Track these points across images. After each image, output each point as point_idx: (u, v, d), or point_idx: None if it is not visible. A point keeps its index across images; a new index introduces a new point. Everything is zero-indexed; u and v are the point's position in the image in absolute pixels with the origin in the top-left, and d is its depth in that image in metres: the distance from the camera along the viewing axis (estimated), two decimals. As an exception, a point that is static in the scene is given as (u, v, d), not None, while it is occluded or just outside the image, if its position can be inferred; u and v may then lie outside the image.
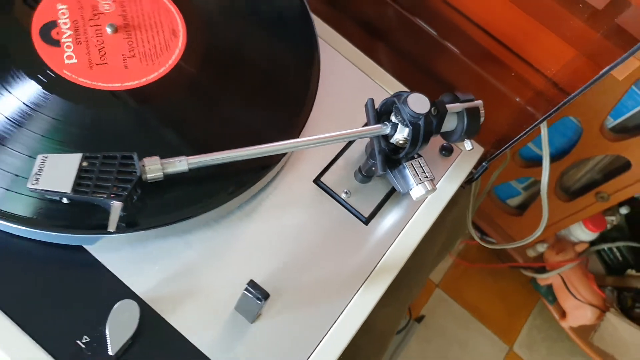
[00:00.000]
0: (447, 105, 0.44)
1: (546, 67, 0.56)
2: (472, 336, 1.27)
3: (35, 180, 0.35)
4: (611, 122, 0.91)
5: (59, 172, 0.36)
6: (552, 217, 1.11)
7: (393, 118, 0.44)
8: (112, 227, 0.35)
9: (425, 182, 0.44)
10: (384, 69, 0.57)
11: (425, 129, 0.42)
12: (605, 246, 1.21)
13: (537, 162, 1.04)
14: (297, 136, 0.45)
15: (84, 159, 0.36)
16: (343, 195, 0.47)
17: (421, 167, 0.45)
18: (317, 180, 0.48)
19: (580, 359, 1.31)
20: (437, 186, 0.45)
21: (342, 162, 0.49)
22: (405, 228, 0.48)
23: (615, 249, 1.23)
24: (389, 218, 0.48)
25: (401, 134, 0.44)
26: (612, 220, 1.19)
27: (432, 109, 0.43)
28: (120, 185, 0.36)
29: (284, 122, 0.46)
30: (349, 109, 0.51)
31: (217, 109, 0.45)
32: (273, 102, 0.46)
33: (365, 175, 0.47)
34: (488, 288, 1.32)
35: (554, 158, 0.99)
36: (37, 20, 0.44)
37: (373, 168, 0.46)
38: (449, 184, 0.51)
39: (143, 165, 0.37)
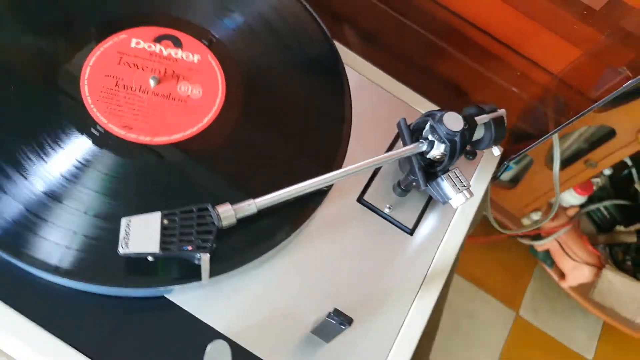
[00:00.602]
0: (476, 118, 0.48)
1: (550, 64, 0.60)
2: (479, 307, 1.34)
3: (125, 245, 0.37)
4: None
5: (144, 233, 0.38)
6: (544, 186, 1.17)
7: (430, 136, 0.47)
8: (206, 278, 0.37)
9: (463, 191, 0.48)
10: (390, 76, 0.60)
11: (461, 144, 0.46)
12: (594, 207, 1.28)
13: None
14: (340, 166, 0.48)
15: (163, 216, 0.39)
16: (386, 210, 0.51)
17: (457, 177, 0.48)
18: (360, 200, 0.51)
19: (580, 314, 1.39)
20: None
21: (379, 179, 0.52)
22: (447, 232, 0.52)
23: (602, 209, 1.30)
24: (431, 225, 0.52)
25: (438, 150, 0.48)
26: (597, 182, 1.27)
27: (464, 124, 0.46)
28: (203, 236, 0.39)
29: (327, 155, 0.48)
30: (379, 128, 0.54)
31: (261, 153, 0.48)
32: (313, 138, 0.49)
33: (404, 189, 0.51)
34: (489, 260, 1.39)
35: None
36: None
37: (414, 183, 0.49)
38: (477, 185, 0.55)
39: (217, 214, 0.40)
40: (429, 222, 0.52)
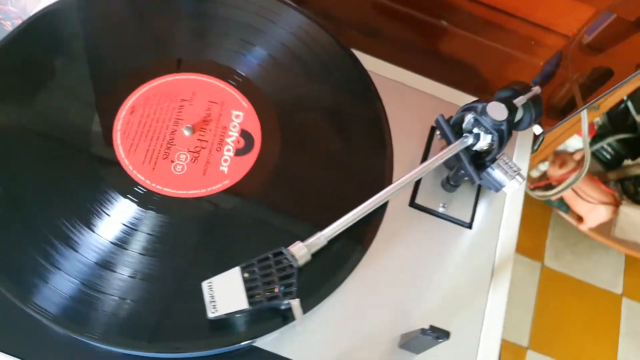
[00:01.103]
0: (514, 101, 0.48)
1: (563, 27, 0.60)
2: (505, 265, 1.35)
3: (214, 309, 0.37)
4: (587, 39, 0.97)
5: (228, 292, 0.37)
6: (549, 136, 1.18)
7: (474, 129, 0.47)
8: (300, 323, 0.37)
9: (516, 177, 0.48)
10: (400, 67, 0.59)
11: (507, 132, 0.46)
12: (598, 146, 1.30)
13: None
14: (391, 178, 0.48)
15: (242, 270, 0.38)
16: (441, 210, 0.51)
17: (506, 163, 0.48)
18: (412, 204, 0.51)
19: (603, 253, 1.42)
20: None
21: (425, 179, 0.52)
22: (502, 217, 0.52)
23: (606, 146, 1.32)
24: (486, 214, 0.52)
25: (484, 142, 0.47)
26: (597, 121, 1.28)
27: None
28: (286, 281, 0.38)
29: (376, 171, 0.48)
30: (410, 124, 0.53)
31: (309, 184, 0.47)
32: (357, 158, 0.49)
33: (453, 184, 0.51)
34: (505, 218, 1.40)
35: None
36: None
37: (465, 178, 0.49)
38: (520, 163, 0.55)
39: (292, 255, 0.39)
40: (483, 211, 0.52)
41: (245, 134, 0.47)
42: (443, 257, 0.49)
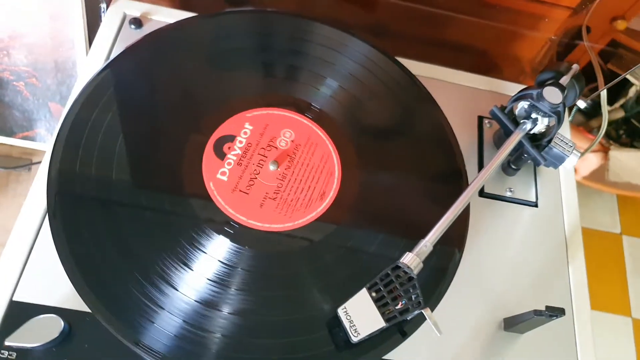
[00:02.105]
0: (560, 82, 0.51)
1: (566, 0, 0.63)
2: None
3: (355, 332, 0.38)
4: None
5: (363, 314, 0.39)
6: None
7: (533, 114, 0.50)
8: (439, 331, 0.39)
9: (574, 152, 0.51)
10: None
11: (564, 112, 0.49)
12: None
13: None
14: (466, 180, 0.50)
15: (369, 290, 0.40)
16: (508, 194, 0.53)
17: (562, 140, 0.51)
18: (482, 194, 0.53)
19: (596, 197, 1.49)
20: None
21: (487, 153, 0.55)
22: (561, 190, 0.55)
23: (582, 97, 1.39)
24: (546, 190, 0.55)
25: (542, 124, 0.50)
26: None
27: (561, 93, 0.49)
28: (410, 293, 0.40)
29: (452, 173, 0.50)
30: (462, 119, 0.56)
31: (389, 208, 0.48)
32: (433, 166, 0.51)
33: (515, 168, 0.54)
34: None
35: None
36: (220, 130, 0.47)
37: (528, 161, 0.52)
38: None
39: (408, 267, 0.41)
40: (543, 188, 0.55)
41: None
42: (519, 238, 0.52)
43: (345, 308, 0.39)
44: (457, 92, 0.59)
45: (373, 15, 0.77)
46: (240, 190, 0.46)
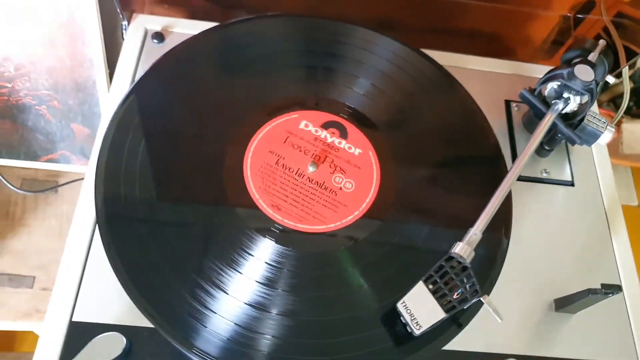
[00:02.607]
0: (589, 59, 0.51)
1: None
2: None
3: (417, 325, 0.38)
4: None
5: (422, 306, 0.39)
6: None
7: (565, 94, 0.50)
8: (500, 317, 0.39)
9: (608, 127, 0.51)
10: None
11: (596, 88, 0.49)
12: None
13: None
14: (505, 166, 0.50)
15: (425, 282, 0.40)
16: (544, 175, 0.54)
17: (595, 117, 0.51)
18: (518, 177, 0.53)
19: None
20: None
21: (519, 137, 0.55)
22: (595, 165, 0.55)
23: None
24: (582, 168, 0.55)
25: (575, 103, 0.50)
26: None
27: (591, 70, 0.49)
28: (467, 283, 0.40)
29: (491, 158, 0.50)
30: (488, 105, 0.56)
31: (430, 201, 0.48)
32: (475, 157, 0.51)
33: (549, 149, 0.54)
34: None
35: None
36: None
37: (562, 140, 0.52)
38: (592, 113, 0.58)
39: (461, 256, 0.41)
40: (577, 167, 0.55)
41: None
42: (560, 218, 0.52)
43: (404, 302, 0.39)
44: (480, 78, 0.59)
45: (380, 9, 0.77)
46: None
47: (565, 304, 0.46)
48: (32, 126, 0.73)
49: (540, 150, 0.54)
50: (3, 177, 0.71)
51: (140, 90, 0.49)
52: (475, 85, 0.57)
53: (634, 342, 0.47)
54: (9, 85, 0.68)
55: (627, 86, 0.69)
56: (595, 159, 0.56)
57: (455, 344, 0.44)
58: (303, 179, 0.47)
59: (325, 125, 0.49)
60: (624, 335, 0.47)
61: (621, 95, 1.38)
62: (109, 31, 0.64)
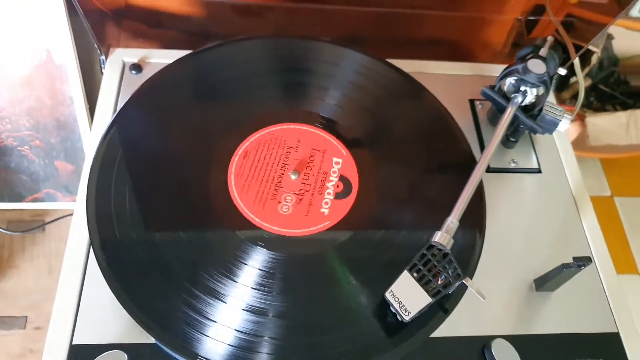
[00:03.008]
0: (540, 54, 0.55)
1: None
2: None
3: (406, 312, 0.41)
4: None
5: (409, 294, 0.41)
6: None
7: (522, 87, 0.54)
8: (483, 296, 0.41)
9: (565, 115, 0.55)
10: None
11: (550, 80, 0.53)
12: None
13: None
14: (474, 160, 0.53)
15: (409, 271, 0.42)
16: (513, 165, 0.57)
17: (552, 107, 0.55)
18: (488, 169, 0.56)
19: (581, 165, 1.54)
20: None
21: (485, 132, 0.58)
22: (559, 152, 0.59)
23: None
24: (547, 155, 0.58)
25: (532, 95, 0.54)
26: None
27: (544, 63, 0.53)
28: (449, 268, 0.42)
29: (462, 155, 0.53)
30: (454, 106, 0.59)
31: (411, 197, 0.51)
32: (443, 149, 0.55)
33: (514, 140, 0.57)
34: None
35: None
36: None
37: (526, 131, 0.55)
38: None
39: (441, 244, 0.44)
40: (543, 155, 0.58)
41: (343, 179, 0.51)
42: (531, 203, 0.55)
43: (391, 291, 0.41)
44: (443, 81, 0.63)
45: (343, 28, 0.81)
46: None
47: (543, 282, 0.49)
48: (15, 167, 0.74)
49: (507, 142, 0.58)
50: (-11, 220, 0.72)
51: (121, 121, 0.51)
52: (439, 88, 0.60)
53: (612, 312, 0.50)
54: (-10, 129, 0.70)
55: (581, 79, 0.73)
56: (558, 146, 0.60)
57: (443, 331, 0.46)
58: (287, 188, 0.49)
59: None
60: (601, 307, 0.50)
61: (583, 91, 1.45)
62: (87, 67, 0.67)
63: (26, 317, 0.71)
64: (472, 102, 0.61)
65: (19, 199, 0.77)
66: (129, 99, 0.53)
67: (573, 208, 0.55)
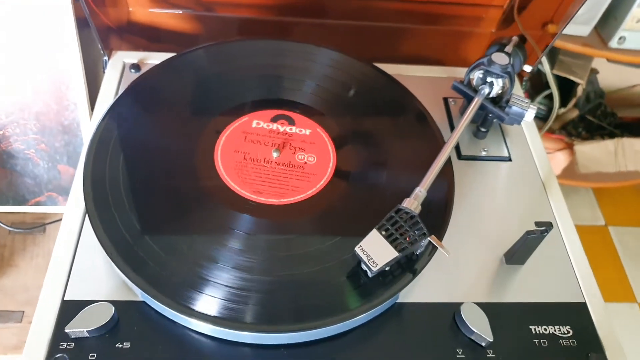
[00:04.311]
0: (505, 50, 0.60)
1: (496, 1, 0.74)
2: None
3: (373, 263, 0.43)
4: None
5: (377, 249, 0.44)
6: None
7: (488, 79, 0.58)
8: (447, 252, 0.44)
9: (530, 106, 0.59)
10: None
11: (513, 72, 0.57)
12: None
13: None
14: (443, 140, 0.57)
15: (379, 230, 0.45)
16: (484, 153, 0.61)
17: (519, 99, 0.59)
18: (460, 157, 0.60)
19: (573, 195, 1.58)
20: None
21: (461, 136, 0.62)
22: (527, 140, 0.63)
23: (538, 104, 1.50)
24: (516, 145, 0.62)
25: (498, 86, 0.59)
26: (524, 86, 1.46)
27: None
28: (415, 228, 0.46)
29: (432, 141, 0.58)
30: (430, 104, 0.64)
31: (379, 183, 0.55)
32: (414, 141, 0.59)
33: (484, 130, 0.61)
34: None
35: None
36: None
37: (495, 120, 0.60)
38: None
39: (409, 208, 0.47)
40: (512, 144, 0.62)
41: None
42: (502, 188, 0.58)
43: (361, 246, 0.44)
44: (419, 82, 0.68)
45: (332, 40, 0.87)
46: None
47: (512, 254, 0.51)
48: (21, 170, 0.78)
49: (478, 133, 0.62)
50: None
51: (113, 113, 0.56)
52: (416, 88, 0.66)
53: (578, 284, 0.52)
54: (0, 132, 0.75)
55: (548, 73, 0.78)
56: (526, 135, 0.64)
57: (415, 296, 0.48)
58: (271, 164, 0.53)
59: (274, 119, 0.57)
60: (568, 279, 0.52)
61: (570, 122, 1.50)
62: (91, 72, 0.72)
63: (23, 311, 0.73)
64: (445, 100, 0.66)
65: (22, 202, 0.81)
66: (122, 92, 0.58)
67: (542, 191, 0.59)
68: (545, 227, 0.47)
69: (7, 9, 0.65)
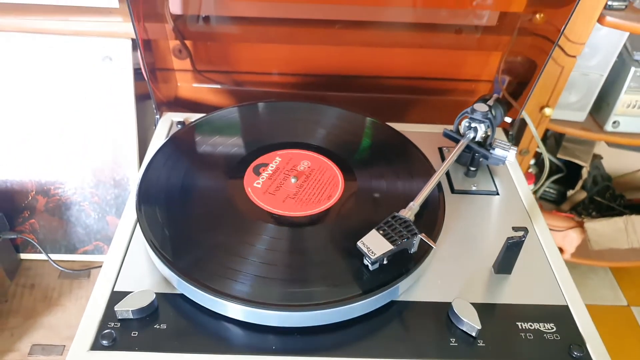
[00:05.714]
0: (487, 103, 0.72)
1: (485, 76, 0.88)
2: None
3: (372, 253, 0.52)
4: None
5: (375, 243, 0.53)
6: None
7: (472, 124, 0.69)
8: (433, 244, 0.52)
9: (511, 148, 0.69)
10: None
11: (493, 119, 0.69)
12: (542, 190, 1.56)
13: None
14: (433, 171, 0.67)
15: (377, 229, 0.54)
16: (474, 188, 0.70)
17: (501, 142, 0.70)
18: (453, 191, 0.70)
19: (591, 275, 1.60)
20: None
21: (454, 174, 0.72)
22: (513, 177, 0.72)
23: (548, 188, 1.59)
24: (502, 179, 0.72)
25: (481, 130, 0.69)
26: (532, 171, 1.56)
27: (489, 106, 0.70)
28: (408, 228, 0.54)
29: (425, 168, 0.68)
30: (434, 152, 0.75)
31: (381, 206, 0.65)
32: (408, 168, 0.69)
33: (474, 170, 0.71)
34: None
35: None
36: (258, 161, 0.68)
37: (481, 159, 0.70)
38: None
39: (404, 216, 0.56)
40: (499, 180, 0.72)
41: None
42: (491, 217, 0.67)
43: (362, 242, 0.53)
44: (420, 137, 0.79)
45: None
46: (269, 193, 0.63)
47: (498, 262, 0.59)
48: (75, 221, 0.90)
49: (468, 172, 0.72)
50: (59, 265, 0.86)
51: (155, 160, 0.68)
52: (417, 140, 0.77)
53: (560, 289, 0.58)
54: (63, 185, 0.88)
55: (534, 131, 0.88)
56: (511, 173, 0.73)
57: (413, 296, 0.55)
58: (294, 187, 0.64)
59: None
60: (552, 285, 0.59)
61: (580, 203, 1.57)
62: (142, 139, 0.87)
63: (64, 345, 0.81)
64: (440, 149, 0.77)
65: (73, 250, 0.91)
66: (163, 144, 0.70)
67: (526, 218, 0.67)
68: (522, 231, 0.55)
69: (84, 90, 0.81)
